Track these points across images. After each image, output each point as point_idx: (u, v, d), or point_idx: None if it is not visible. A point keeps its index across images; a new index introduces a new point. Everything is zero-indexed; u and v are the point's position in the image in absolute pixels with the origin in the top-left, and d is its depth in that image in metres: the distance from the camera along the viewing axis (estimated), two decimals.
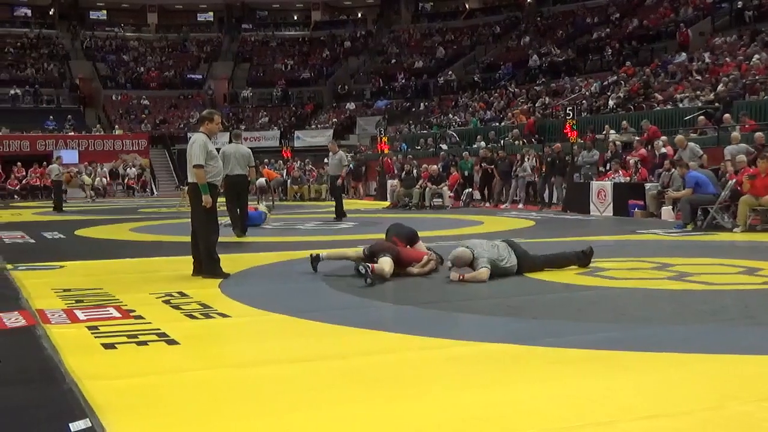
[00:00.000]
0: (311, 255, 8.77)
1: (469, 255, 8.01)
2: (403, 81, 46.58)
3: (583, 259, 8.74)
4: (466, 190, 23.40)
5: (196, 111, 44.41)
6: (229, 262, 8.86)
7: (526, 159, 22.25)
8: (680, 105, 23.14)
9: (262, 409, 3.88)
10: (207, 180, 8.43)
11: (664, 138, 19.15)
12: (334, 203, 17.59)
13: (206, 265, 8.44)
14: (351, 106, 46.98)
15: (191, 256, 8.71)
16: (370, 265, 7.91)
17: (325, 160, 33.41)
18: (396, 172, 26.15)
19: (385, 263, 8.10)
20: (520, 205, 21.24)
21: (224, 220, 15.94)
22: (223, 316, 6.30)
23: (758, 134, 15.87)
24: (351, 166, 25.27)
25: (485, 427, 3.59)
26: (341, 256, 8.84)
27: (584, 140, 21.67)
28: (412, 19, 54.74)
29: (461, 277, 7.82)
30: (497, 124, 31.04)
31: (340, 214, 17.07)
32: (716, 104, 21.43)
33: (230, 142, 14.32)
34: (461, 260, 7.99)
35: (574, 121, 20.53)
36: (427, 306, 6.71)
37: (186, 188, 9.38)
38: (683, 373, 4.41)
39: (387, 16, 55.46)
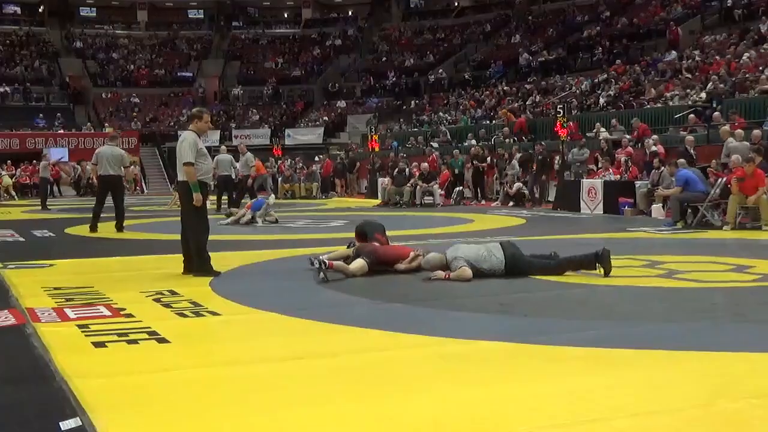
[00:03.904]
0: (319, 263, 8.07)
1: (441, 258, 8.07)
2: (394, 79, 46.56)
3: (594, 262, 7.93)
4: (457, 188, 23.42)
5: (187, 109, 44.32)
6: (219, 260, 8.84)
7: (515, 158, 22.27)
8: (670, 103, 23.20)
9: (253, 407, 3.87)
10: (197, 178, 8.41)
11: (655, 137, 19.18)
12: (324, 201, 17.73)
13: (196, 263, 8.43)
14: (342, 104, 46.94)
15: (182, 255, 8.69)
16: (327, 261, 8.00)
17: (317, 159, 33.55)
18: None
19: (355, 264, 8.27)
20: (510, 203, 21.25)
21: (222, 217, 16.06)
22: (214, 314, 6.29)
23: (755, 132, 15.92)
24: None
25: (477, 425, 3.58)
26: (338, 256, 8.83)
27: (572, 138, 21.71)
28: (402, 17, 54.73)
29: (447, 276, 7.83)
30: (488, 122, 31.07)
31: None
32: (712, 101, 21.47)
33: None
34: (433, 265, 8.04)
35: (565, 119, 20.57)
36: (418, 303, 6.71)
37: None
38: (674, 371, 4.42)
39: (378, 14, 55.41)
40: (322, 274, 7.88)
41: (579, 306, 6.68)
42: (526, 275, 8.00)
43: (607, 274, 7.87)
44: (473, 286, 7.56)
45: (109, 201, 14.28)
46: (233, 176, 19.57)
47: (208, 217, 8.84)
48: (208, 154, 8.88)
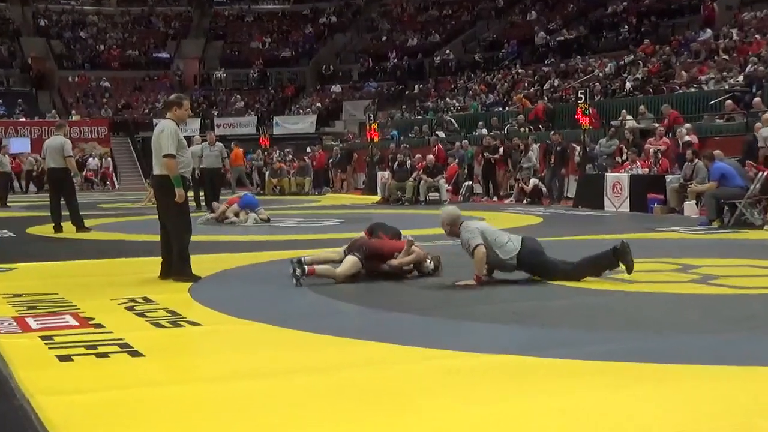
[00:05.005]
0: (298, 269, 8.21)
1: (457, 213, 8.29)
2: (395, 61, 46.55)
3: (614, 259, 8.03)
4: (466, 183, 23.41)
5: (163, 94, 44.27)
6: (200, 263, 8.85)
7: (531, 149, 22.26)
8: (705, 87, 23.19)
9: (237, 428, 3.87)
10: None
11: (688, 126, 19.16)
12: (318, 197, 17.73)
13: (177, 266, 8.43)
14: (337, 88, 46.93)
15: (159, 257, 8.70)
16: (307, 267, 8.02)
17: (309, 150, 33.52)
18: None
19: (344, 264, 8.29)
20: (526, 200, 21.26)
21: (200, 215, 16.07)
22: (194, 324, 6.30)
23: None
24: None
25: None
26: (324, 260, 8.83)
27: (594, 127, 21.74)
28: None
29: (477, 280, 7.82)
30: (500, 108, 31.07)
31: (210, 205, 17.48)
32: (752, 85, 21.42)
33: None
34: (450, 215, 8.25)
35: (586, 106, 20.56)
36: (423, 313, 6.72)
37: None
38: (708, 388, 4.43)
39: None
40: (295, 281, 7.91)
41: (602, 315, 6.69)
42: (541, 275, 8.04)
43: (629, 271, 7.92)
44: (484, 293, 7.58)
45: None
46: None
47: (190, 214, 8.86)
48: (187, 145, 8.89)
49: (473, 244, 7.86)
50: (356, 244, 8.56)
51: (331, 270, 8.24)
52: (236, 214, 15.84)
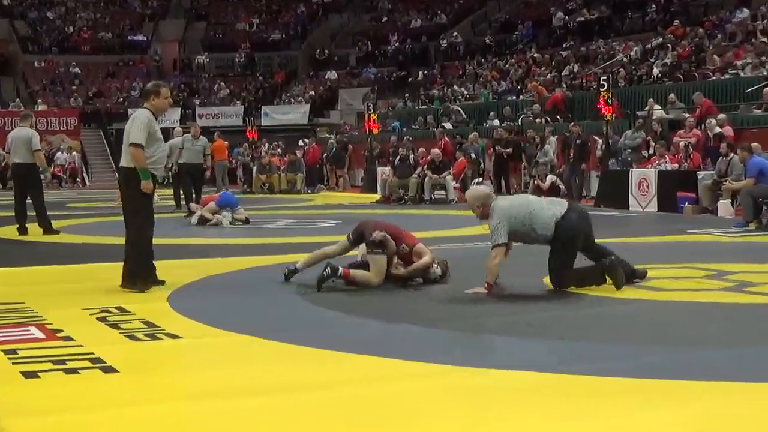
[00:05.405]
0: (286, 271, 8.67)
1: (485, 192, 8.39)
2: (397, 44, 46.54)
3: (602, 275, 8.12)
4: (476, 180, 23.40)
5: (139, 81, 44.28)
6: (180, 269, 8.85)
7: (548, 142, 22.25)
8: (741, 74, 23.19)
9: None
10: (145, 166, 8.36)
11: (722, 116, 19.13)
12: (311, 196, 17.69)
13: (132, 267, 8.37)
14: (332, 75, 46.93)
15: None
16: (341, 269, 8.07)
17: (301, 143, 33.52)
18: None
19: (376, 266, 8.24)
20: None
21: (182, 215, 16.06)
22: (173, 337, 6.30)
23: None
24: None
25: None
26: (321, 257, 8.81)
27: (618, 117, 21.75)
28: None
29: (488, 287, 7.82)
30: (514, 97, 31.08)
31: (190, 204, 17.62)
32: None
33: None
34: (478, 198, 8.17)
35: (609, 94, 20.57)
36: (429, 324, 6.72)
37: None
38: (745, 406, 4.43)
39: None
40: (328, 280, 7.92)
41: (626, 326, 6.69)
42: (555, 253, 7.95)
43: (618, 287, 7.89)
44: (495, 303, 7.58)
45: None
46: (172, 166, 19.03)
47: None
48: (162, 139, 8.85)
49: (493, 241, 7.87)
50: (373, 239, 8.35)
51: (367, 275, 8.24)
52: (214, 214, 15.80)
